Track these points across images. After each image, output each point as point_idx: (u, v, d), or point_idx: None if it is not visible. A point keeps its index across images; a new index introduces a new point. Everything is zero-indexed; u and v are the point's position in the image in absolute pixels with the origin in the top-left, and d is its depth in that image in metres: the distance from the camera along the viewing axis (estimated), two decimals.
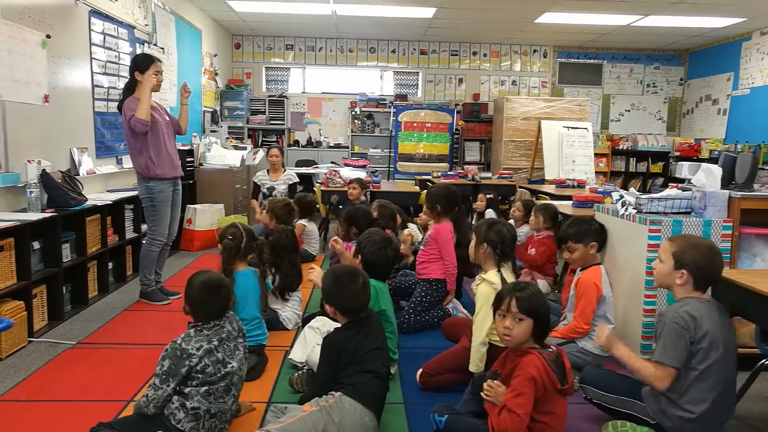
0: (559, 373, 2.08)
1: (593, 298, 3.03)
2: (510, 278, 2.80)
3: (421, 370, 2.91)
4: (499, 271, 2.80)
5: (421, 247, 3.97)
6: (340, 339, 2.32)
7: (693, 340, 2.10)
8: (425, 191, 6.33)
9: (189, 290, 2.32)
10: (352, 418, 2.16)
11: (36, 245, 3.63)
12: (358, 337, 2.31)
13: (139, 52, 5.68)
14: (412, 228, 4.96)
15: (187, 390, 2.18)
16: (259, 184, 6.26)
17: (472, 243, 2.96)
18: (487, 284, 2.76)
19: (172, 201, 4.21)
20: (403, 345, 3.39)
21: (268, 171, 6.32)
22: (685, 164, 4.21)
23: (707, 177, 3.22)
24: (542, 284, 4.33)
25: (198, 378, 2.18)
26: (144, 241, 4.25)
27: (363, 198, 5.76)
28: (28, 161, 3.86)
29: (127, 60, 5.42)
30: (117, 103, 5.18)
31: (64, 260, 3.86)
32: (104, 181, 5.09)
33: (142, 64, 3.97)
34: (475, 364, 2.70)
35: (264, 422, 2.36)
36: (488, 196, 5.74)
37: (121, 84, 5.35)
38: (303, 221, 5.45)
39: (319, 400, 2.19)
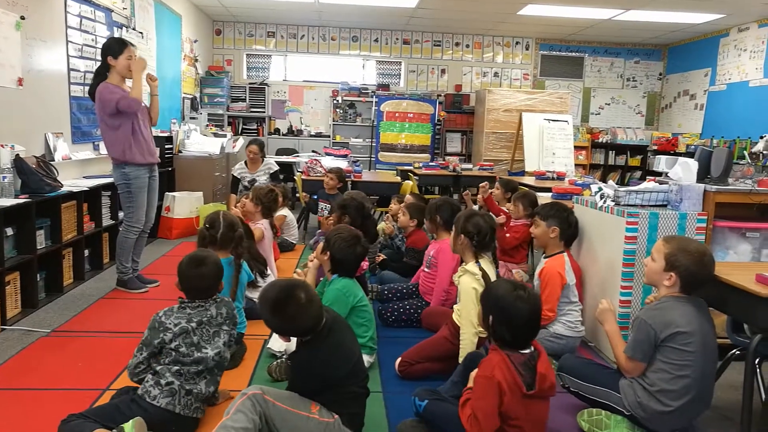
0: (528, 376, 1.99)
1: (557, 287, 3.09)
2: (489, 269, 2.82)
3: (400, 358, 2.92)
4: (477, 261, 2.82)
5: (425, 269, 3.72)
6: (316, 362, 2.14)
7: (660, 339, 2.19)
8: (406, 181, 6.38)
9: (179, 265, 2.39)
10: None
11: (9, 231, 3.56)
12: (333, 357, 2.16)
13: (117, 36, 5.57)
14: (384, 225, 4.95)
15: (159, 368, 2.23)
16: (239, 177, 6.19)
17: (452, 234, 2.99)
18: (470, 275, 2.79)
19: (148, 187, 4.16)
20: (382, 334, 3.39)
21: (246, 163, 6.25)
22: (663, 158, 4.28)
23: (684, 171, 3.27)
24: (519, 273, 4.37)
25: (171, 355, 2.23)
26: (120, 229, 4.19)
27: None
28: (1, 146, 3.77)
29: None
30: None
31: (39, 247, 3.80)
32: (80, 167, 5.00)
33: (114, 48, 3.90)
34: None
35: None
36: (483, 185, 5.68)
37: None
38: (283, 211, 5.40)
39: (324, 412, 2.14)
